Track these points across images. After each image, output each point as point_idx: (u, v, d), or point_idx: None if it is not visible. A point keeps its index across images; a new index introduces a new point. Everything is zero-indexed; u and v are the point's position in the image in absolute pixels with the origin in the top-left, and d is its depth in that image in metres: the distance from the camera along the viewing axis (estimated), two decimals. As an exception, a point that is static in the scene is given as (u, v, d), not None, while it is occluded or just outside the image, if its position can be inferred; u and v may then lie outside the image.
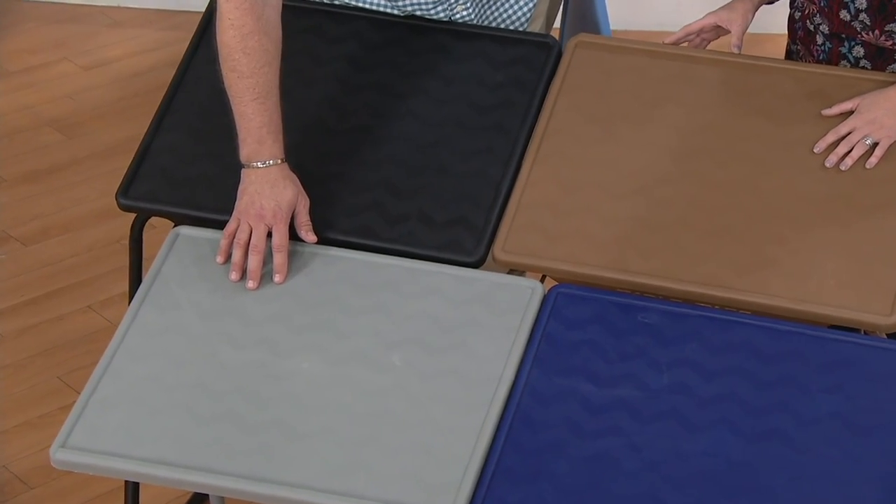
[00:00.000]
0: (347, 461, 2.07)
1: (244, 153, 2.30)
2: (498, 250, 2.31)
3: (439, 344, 2.20)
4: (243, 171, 2.31)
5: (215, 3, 2.34)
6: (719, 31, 2.58)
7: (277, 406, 2.14)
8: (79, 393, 3.06)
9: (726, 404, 2.09)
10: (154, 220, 3.58)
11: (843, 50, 2.46)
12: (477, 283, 2.28)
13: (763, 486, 1.99)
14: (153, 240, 3.43)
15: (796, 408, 2.07)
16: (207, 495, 2.76)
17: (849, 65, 2.46)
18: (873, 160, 2.29)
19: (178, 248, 2.36)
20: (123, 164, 3.90)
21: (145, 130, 3.90)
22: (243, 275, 2.27)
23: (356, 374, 2.18)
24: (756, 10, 2.58)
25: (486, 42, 2.55)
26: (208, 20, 2.59)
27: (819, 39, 2.49)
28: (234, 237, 2.28)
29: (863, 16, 2.40)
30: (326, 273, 2.31)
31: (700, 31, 2.58)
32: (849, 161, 2.29)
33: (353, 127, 2.47)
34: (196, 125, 2.50)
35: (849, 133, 2.32)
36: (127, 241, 3.51)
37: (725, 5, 2.58)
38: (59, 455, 2.09)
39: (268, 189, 2.28)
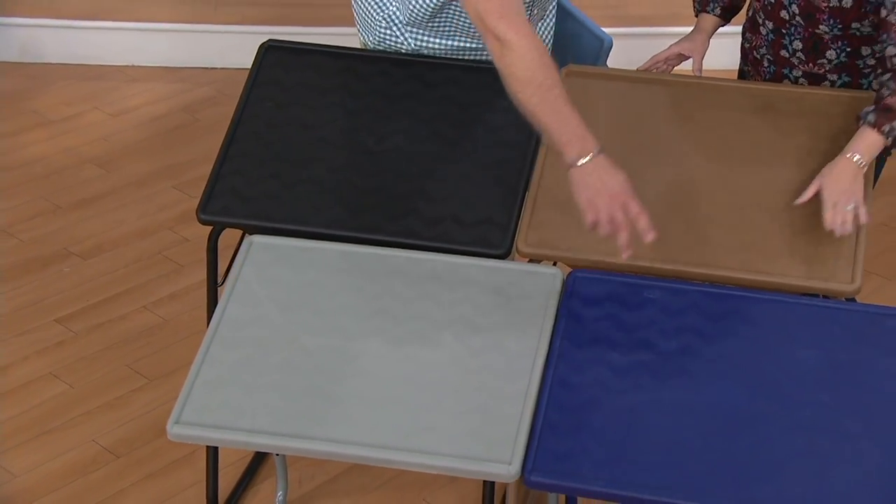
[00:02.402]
0: (417, 424, 2.01)
1: (573, 153, 2.09)
2: (521, 244, 2.26)
3: (482, 323, 2.14)
4: (574, 170, 2.09)
5: (261, 54, 2.21)
6: (682, 58, 2.57)
7: (353, 381, 2.07)
8: (145, 378, 3.04)
9: (726, 361, 2.06)
10: (189, 233, 3.56)
11: (785, 72, 2.44)
12: (506, 271, 2.23)
13: (763, 428, 1.96)
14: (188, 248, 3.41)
15: (784, 361, 2.05)
16: (267, 454, 2.66)
17: (790, 82, 2.44)
18: (864, 219, 2.17)
19: (253, 253, 2.27)
20: (154, 190, 3.88)
21: (171, 162, 3.91)
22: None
23: (416, 352, 2.11)
24: (710, 38, 2.56)
25: (490, 75, 2.47)
26: (257, 70, 2.50)
27: (765, 63, 2.46)
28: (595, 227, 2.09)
29: (799, 53, 2.39)
30: (380, 269, 2.24)
31: (666, 60, 2.55)
32: (848, 227, 2.16)
33: (388, 148, 2.40)
34: (256, 152, 2.40)
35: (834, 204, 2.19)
36: (165, 253, 3.49)
37: (685, 37, 2.57)
38: (175, 430, 2.00)
39: (606, 174, 2.08)
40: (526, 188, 2.32)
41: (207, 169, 2.43)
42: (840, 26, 2.31)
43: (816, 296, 2.19)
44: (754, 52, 2.50)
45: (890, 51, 2.21)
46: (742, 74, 2.59)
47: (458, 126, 2.43)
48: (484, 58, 2.56)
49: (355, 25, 2.63)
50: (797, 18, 2.34)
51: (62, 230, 3.46)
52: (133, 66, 4.29)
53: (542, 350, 2.09)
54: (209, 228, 2.41)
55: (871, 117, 2.18)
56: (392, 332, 2.14)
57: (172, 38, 4.33)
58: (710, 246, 2.20)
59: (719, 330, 2.10)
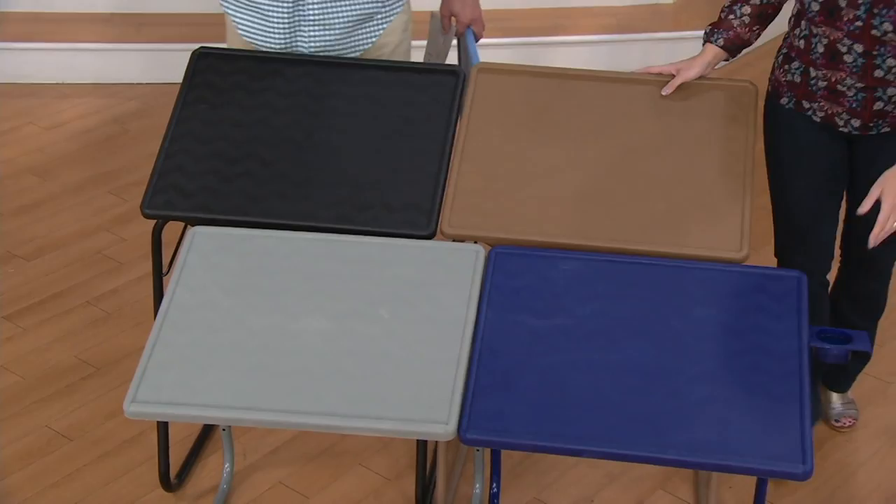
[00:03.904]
0: (358, 393, 1.93)
1: None
2: (445, 225, 2.19)
3: (413, 298, 2.07)
4: None
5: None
6: (672, 76, 2.35)
7: (296, 356, 1.98)
8: (93, 366, 2.87)
9: (635, 322, 2.03)
10: (126, 233, 3.41)
11: (878, 94, 2.14)
12: (434, 250, 2.16)
13: (671, 380, 1.93)
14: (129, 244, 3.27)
15: (685, 319, 2.02)
16: (215, 427, 2.55)
17: (882, 103, 2.15)
18: None
19: (197, 243, 2.15)
20: (91, 195, 3.70)
21: (104, 170, 3.75)
22: None
23: (354, 327, 2.03)
24: (709, 67, 2.31)
25: (407, 73, 2.42)
26: (191, 74, 2.39)
27: (851, 93, 2.15)
28: None
29: (894, 70, 2.11)
30: (317, 253, 2.15)
31: (659, 74, 2.35)
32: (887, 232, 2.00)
33: (317, 142, 2.31)
34: (195, 150, 2.29)
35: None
36: (105, 252, 3.33)
37: (688, 59, 2.33)
38: (132, 408, 1.89)
39: None
40: (446, 175, 2.25)
41: (140, 174, 2.31)
42: None
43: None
44: (836, 85, 2.17)
45: None
46: (797, 115, 2.24)
47: (381, 120, 2.34)
48: (405, 60, 2.51)
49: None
50: (889, 35, 2.09)
51: (5, 235, 3.27)
52: (64, 84, 4.12)
53: (470, 319, 2.03)
54: (146, 229, 2.29)
55: None
56: (331, 310, 2.05)
57: (100, 56, 4.17)
58: (618, 223, 2.16)
59: (628, 295, 2.06)
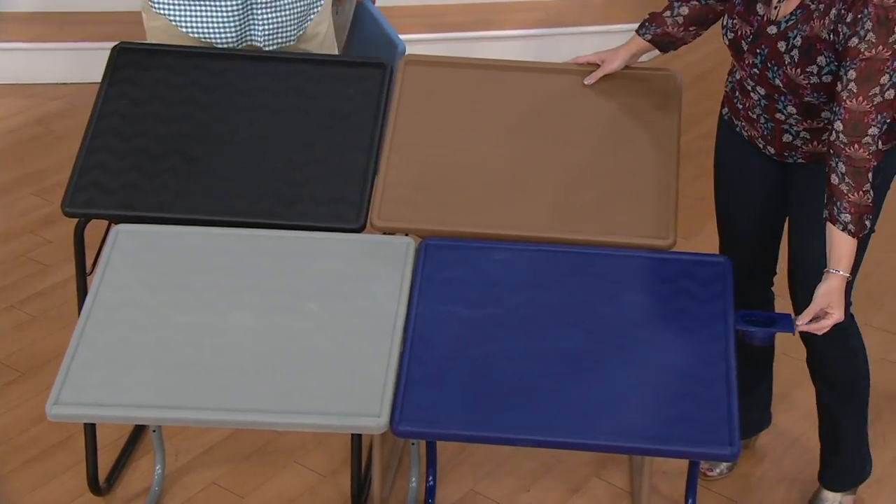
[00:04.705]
0: (289, 388, 1.90)
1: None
2: (374, 218, 2.17)
3: (344, 291, 2.05)
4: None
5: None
6: (596, 65, 2.34)
7: (225, 353, 1.94)
8: (18, 371, 2.80)
9: (565, 310, 2.02)
10: (51, 235, 3.33)
11: (785, 128, 2.11)
12: (364, 243, 2.14)
13: (601, 367, 1.94)
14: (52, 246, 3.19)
15: (613, 306, 2.03)
16: (146, 429, 2.50)
17: (791, 136, 2.11)
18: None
19: (120, 241, 2.11)
20: (14, 197, 3.61)
21: (28, 171, 3.66)
22: None
23: (284, 322, 2.00)
24: (634, 58, 2.30)
25: (333, 66, 2.39)
26: (111, 70, 2.34)
27: (762, 121, 2.13)
28: None
29: (794, 116, 2.08)
30: (244, 249, 2.11)
31: (586, 63, 2.34)
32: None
33: (243, 137, 2.28)
34: (117, 146, 2.24)
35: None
36: (29, 255, 3.25)
37: (613, 49, 2.33)
38: (55, 410, 1.84)
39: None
40: (375, 167, 2.23)
41: (64, 176, 2.25)
42: (825, 96, 2.03)
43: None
44: (748, 112, 2.15)
45: (837, 126, 1.94)
46: (732, 128, 2.21)
47: (309, 114, 2.32)
48: (330, 54, 2.48)
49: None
50: (782, 90, 2.07)
51: (-74, 238, 3.19)
52: (-17, 85, 4.03)
53: (401, 311, 2.01)
54: (72, 230, 2.23)
55: (850, 227, 1.92)
56: (260, 306, 2.02)
57: (22, 56, 4.06)
58: (547, 212, 2.16)
59: (558, 284, 2.06)
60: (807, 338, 2.21)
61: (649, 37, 2.30)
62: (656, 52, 2.33)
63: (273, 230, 2.14)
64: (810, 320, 1.96)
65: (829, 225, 1.94)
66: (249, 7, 2.36)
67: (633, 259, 2.09)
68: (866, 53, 1.88)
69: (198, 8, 2.37)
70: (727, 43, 2.12)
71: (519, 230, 2.14)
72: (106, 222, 2.22)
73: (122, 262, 2.06)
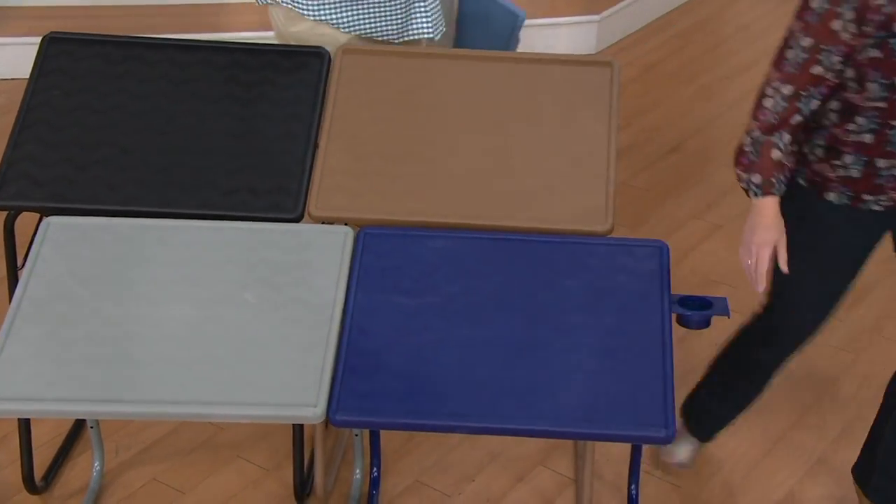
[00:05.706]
0: (225, 379, 1.87)
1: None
2: (312, 208, 2.14)
3: (282, 282, 2.02)
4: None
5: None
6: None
7: (161, 345, 1.91)
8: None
9: (504, 297, 2.01)
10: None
11: None
12: (301, 233, 2.11)
13: (541, 352, 1.92)
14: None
15: (553, 292, 2.01)
16: (85, 426, 2.45)
17: None
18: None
19: (51, 234, 2.06)
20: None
21: None
22: None
23: (220, 313, 1.97)
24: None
25: (271, 55, 2.36)
26: (41, 60, 2.30)
27: None
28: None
29: None
30: (180, 240, 2.08)
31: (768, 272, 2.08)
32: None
33: (179, 127, 2.24)
34: (47, 137, 2.19)
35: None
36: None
37: (762, 230, 2.03)
38: (-18, 406, 1.79)
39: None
40: (313, 157, 2.21)
41: (3, 173, 2.21)
42: None
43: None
44: (893, 169, 1.97)
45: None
46: (854, 210, 2.01)
47: (246, 104, 2.28)
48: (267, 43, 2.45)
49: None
50: None
51: None
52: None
53: (339, 301, 1.99)
54: (1, 223, 2.18)
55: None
56: (195, 297, 1.99)
57: (-39, 51, 4.01)
58: (485, 200, 2.14)
59: (496, 271, 2.05)
60: None
61: (784, 189, 1.99)
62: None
63: (209, 221, 2.10)
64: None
65: None
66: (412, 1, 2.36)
67: (571, 245, 2.08)
68: None
69: (363, 5, 2.34)
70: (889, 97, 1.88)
71: (457, 218, 2.12)
72: (37, 215, 2.18)
73: (54, 255, 2.02)
